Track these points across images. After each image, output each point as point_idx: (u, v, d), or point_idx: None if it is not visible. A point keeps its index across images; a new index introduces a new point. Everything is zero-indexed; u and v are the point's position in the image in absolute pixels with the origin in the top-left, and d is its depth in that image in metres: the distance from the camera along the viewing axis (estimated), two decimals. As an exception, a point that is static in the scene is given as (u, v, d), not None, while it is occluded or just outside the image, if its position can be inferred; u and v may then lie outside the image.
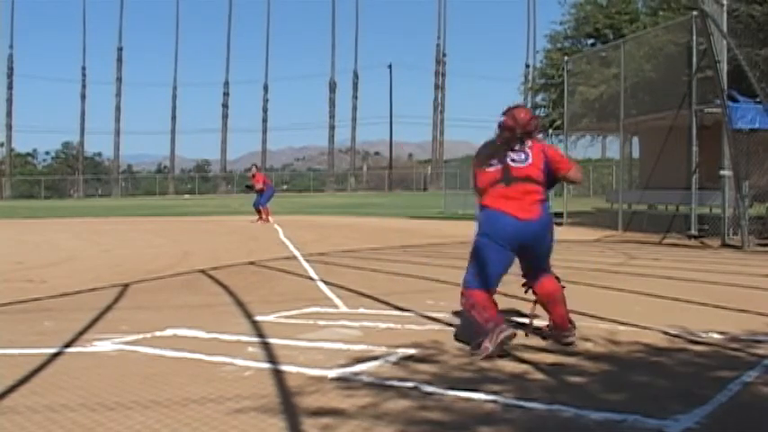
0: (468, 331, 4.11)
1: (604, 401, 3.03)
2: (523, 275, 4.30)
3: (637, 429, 2.69)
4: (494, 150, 4.21)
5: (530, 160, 4.13)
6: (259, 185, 19.59)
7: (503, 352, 3.80)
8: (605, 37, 20.18)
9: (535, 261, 4.19)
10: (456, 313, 4.96)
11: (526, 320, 4.41)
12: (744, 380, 3.34)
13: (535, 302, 4.29)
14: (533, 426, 2.76)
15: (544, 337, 4.25)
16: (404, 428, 2.72)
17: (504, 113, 4.28)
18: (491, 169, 4.13)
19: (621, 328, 4.59)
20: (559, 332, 4.18)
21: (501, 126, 4.24)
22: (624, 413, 2.82)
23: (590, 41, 21.57)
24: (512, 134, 4.17)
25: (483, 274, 4.03)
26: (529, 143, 4.18)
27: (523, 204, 4.03)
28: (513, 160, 4.12)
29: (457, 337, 4.32)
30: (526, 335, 4.26)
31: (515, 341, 3.98)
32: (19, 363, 3.78)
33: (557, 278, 4.27)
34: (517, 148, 4.15)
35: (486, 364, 3.67)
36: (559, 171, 4.26)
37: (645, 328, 4.55)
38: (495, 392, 3.14)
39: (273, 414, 2.88)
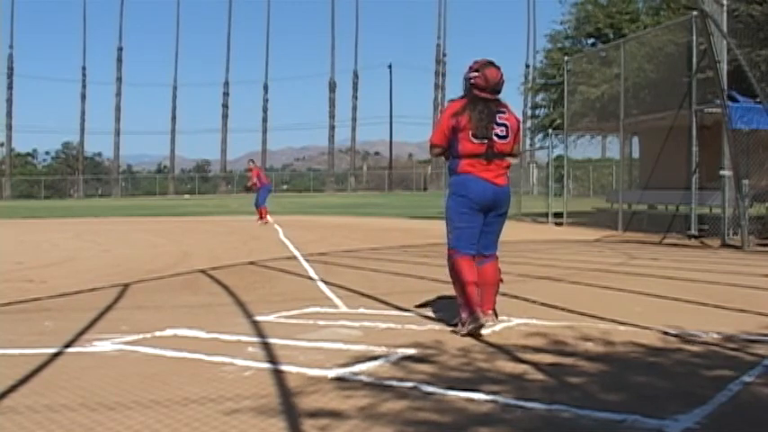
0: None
1: (604, 401, 3.03)
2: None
3: (637, 429, 2.69)
4: (479, 116, 4.39)
5: (509, 137, 4.48)
6: (254, 180, 19.53)
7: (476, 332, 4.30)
8: (606, 36, 20.18)
9: (491, 234, 4.56)
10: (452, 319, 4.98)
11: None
12: (744, 380, 3.34)
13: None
14: (533, 426, 2.76)
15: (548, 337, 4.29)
16: (403, 428, 2.72)
17: (474, 69, 4.48)
18: (476, 141, 4.40)
19: (621, 328, 4.59)
20: (474, 312, 4.36)
21: (470, 82, 4.47)
22: (624, 413, 2.82)
23: (590, 41, 21.56)
24: (481, 94, 4.42)
25: (464, 237, 4.46)
26: (505, 111, 4.48)
27: (497, 172, 4.46)
28: (497, 135, 4.43)
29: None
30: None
31: (515, 341, 4.03)
32: (19, 363, 3.78)
33: (499, 270, 4.63)
34: (499, 114, 4.43)
35: (486, 365, 3.67)
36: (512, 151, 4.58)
37: (645, 328, 4.55)
38: (494, 392, 3.14)
39: (273, 414, 2.88)
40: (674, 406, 2.93)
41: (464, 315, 4.39)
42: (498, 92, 4.50)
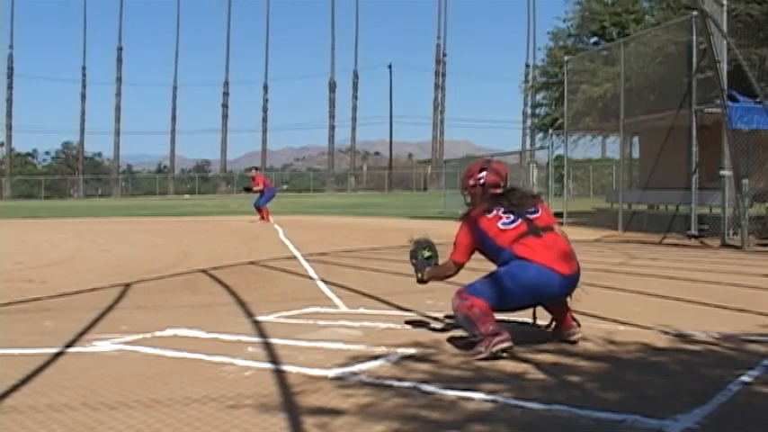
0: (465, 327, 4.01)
1: (604, 401, 3.03)
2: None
3: (636, 429, 2.69)
4: (493, 208, 3.99)
5: (541, 212, 4.03)
6: (259, 187, 19.58)
7: (495, 357, 3.74)
8: (610, 35, 20.15)
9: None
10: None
11: (529, 321, 4.42)
12: (744, 380, 3.34)
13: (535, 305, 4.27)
14: (532, 425, 2.76)
15: (547, 337, 4.26)
16: (403, 427, 2.72)
17: (479, 171, 4.13)
18: (513, 225, 3.92)
19: (621, 327, 4.59)
20: (564, 331, 4.16)
21: (484, 185, 4.09)
22: (624, 413, 2.82)
23: (593, 40, 21.55)
24: (500, 190, 4.07)
25: (494, 300, 3.85)
26: (529, 199, 4.08)
27: (562, 255, 3.89)
28: (529, 213, 3.98)
29: (454, 317, 4.17)
30: (535, 325, 4.33)
31: (517, 341, 3.99)
32: (19, 363, 3.78)
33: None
34: (521, 207, 4.00)
35: (486, 364, 3.67)
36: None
37: (645, 327, 4.56)
38: (494, 392, 3.14)
39: (274, 413, 2.89)
40: (674, 406, 2.93)
41: (480, 347, 3.77)
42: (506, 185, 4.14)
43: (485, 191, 4.10)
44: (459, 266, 4.17)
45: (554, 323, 4.24)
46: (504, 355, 3.75)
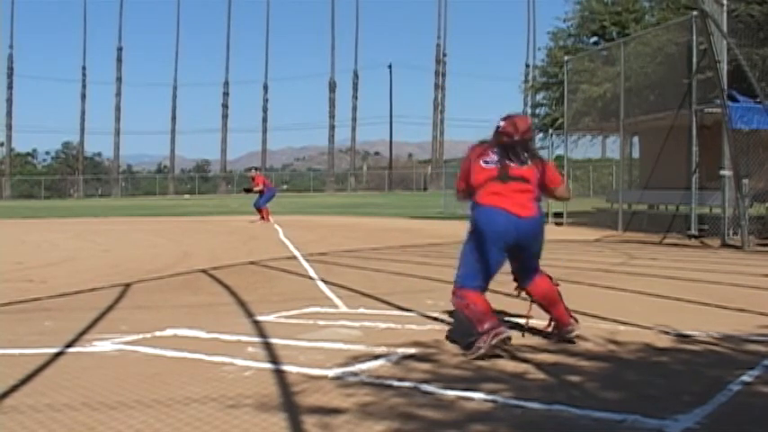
0: (461, 329, 4.09)
1: (604, 401, 3.03)
2: (514, 278, 4.28)
3: (637, 429, 2.69)
4: (491, 149, 4.17)
5: (527, 164, 4.13)
6: (259, 188, 19.57)
7: (495, 353, 3.77)
8: (610, 35, 20.15)
9: (528, 261, 4.18)
10: (451, 313, 4.98)
11: (522, 321, 4.40)
12: (744, 380, 3.34)
13: (532, 302, 4.29)
14: (533, 425, 2.76)
15: (546, 336, 4.25)
16: (403, 427, 2.72)
17: (504, 119, 4.23)
18: (488, 167, 4.11)
19: (622, 327, 4.59)
20: (562, 328, 4.19)
21: (498, 130, 4.20)
22: (624, 413, 2.82)
23: (593, 39, 21.54)
24: (509, 140, 4.13)
25: (476, 273, 4.02)
26: (526, 155, 4.15)
27: (519, 201, 4.01)
28: (510, 160, 4.11)
29: (449, 337, 4.32)
30: (522, 335, 4.26)
31: (518, 341, 4.02)
32: (19, 363, 3.78)
33: (549, 277, 4.25)
34: (514, 157, 4.12)
35: (486, 364, 3.67)
36: (551, 184, 4.24)
37: (645, 327, 4.56)
38: (494, 392, 3.14)
39: (274, 413, 2.89)
40: (675, 406, 2.93)
41: (479, 344, 3.79)
42: (525, 142, 4.19)
43: (497, 136, 4.20)
44: (465, 192, 4.24)
45: (552, 323, 4.24)
46: (502, 354, 3.80)
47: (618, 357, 3.85)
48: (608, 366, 3.66)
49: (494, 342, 3.76)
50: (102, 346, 4.24)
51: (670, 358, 3.81)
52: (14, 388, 3.30)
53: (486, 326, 3.81)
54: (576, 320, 4.22)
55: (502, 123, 4.22)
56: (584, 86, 17.65)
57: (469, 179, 4.18)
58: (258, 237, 14.27)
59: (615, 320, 4.81)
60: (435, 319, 4.99)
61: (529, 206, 4.04)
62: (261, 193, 19.51)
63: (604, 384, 3.32)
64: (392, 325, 4.78)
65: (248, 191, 20.29)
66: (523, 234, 4.01)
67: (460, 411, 2.91)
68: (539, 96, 24.61)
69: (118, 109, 67.43)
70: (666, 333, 4.40)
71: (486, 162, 4.13)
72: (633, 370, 3.59)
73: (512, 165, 4.10)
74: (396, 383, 3.30)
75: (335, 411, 2.90)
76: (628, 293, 6.23)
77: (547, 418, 2.83)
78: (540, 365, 3.63)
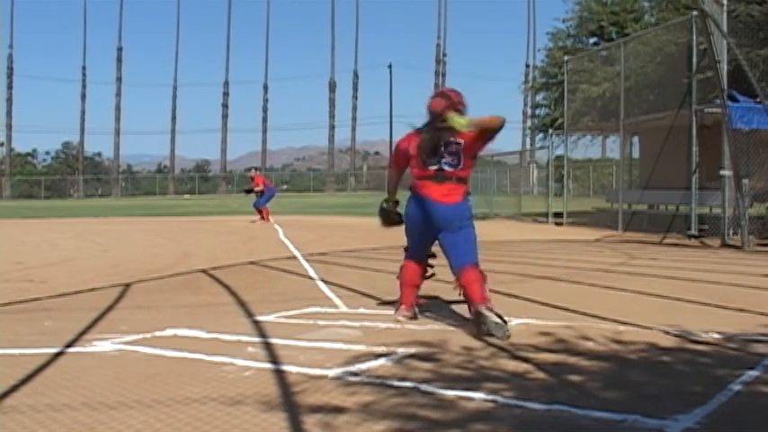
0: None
1: (604, 401, 3.03)
2: (452, 270, 4.70)
3: (637, 429, 2.69)
4: (432, 147, 4.64)
5: (461, 165, 4.65)
6: (259, 188, 19.58)
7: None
8: (609, 35, 20.15)
9: (458, 247, 4.65)
10: (452, 314, 4.99)
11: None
12: (744, 380, 3.34)
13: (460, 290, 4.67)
14: (533, 425, 2.76)
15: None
16: (402, 427, 2.72)
17: (433, 97, 4.72)
18: (429, 168, 4.67)
19: (622, 327, 4.59)
20: (476, 313, 4.42)
21: (432, 111, 4.65)
22: (624, 413, 2.82)
23: (593, 40, 21.55)
24: (443, 112, 4.54)
25: (413, 247, 4.99)
26: (459, 139, 4.58)
27: (446, 193, 4.65)
28: (447, 164, 4.64)
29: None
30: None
31: (518, 340, 4.10)
32: (19, 363, 3.78)
33: (482, 273, 4.59)
34: (451, 145, 4.61)
35: (487, 363, 3.67)
36: (481, 136, 4.62)
37: (645, 327, 4.56)
38: (494, 392, 3.14)
39: (274, 413, 2.89)
40: (675, 406, 2.93)
41: (397, 311, 4.95)
42: (459, 110, 4.59)
43: (432, 119, 4.69)
44: (397, 171, 5.03)
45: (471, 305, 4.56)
46: (399, 323, 4.80)
47: (618, 357, 3.84)
48: (608, 366, 3.66)
49: (398, 317, 4.92)
50: (102, 346, 4.23)
51: (670, 358, 3.81)
52: (14, 388, 3.30)
53: (398, 305, 5.02)
54: (491, 309, 4.48)
55: (432, 101, 4.71)
56: (583, 86, 17.66)
57: (411, 170, 4.80)
58: (258, 237, 14.27)
59: (615, 320, 4.81)
60: (436, 319, 4.99)
61: (452, 197, 4.66)
62: (261, 193, 19.53)
63: (604, 384, 3.31)
64: (392, 325, 4.78)
65: (248, 192, 20.28)
66: (446, 217, 4.65)
67: (461, 411, 2.91)
68: (538, 97, 24.63)
69: (118, 109, 67.52)
70: (666, 333, 4.40)
71: (429, 164, 4.67)
72: (633, 370, 3.59)
73: (448, 169, 4.65)
74: (396, 383, 3.30)
75: (335, 411, 2.90)
76: (628, 293, 6.23)
77: (547, 417, 2.83)
78: (540, 365, 3.63)
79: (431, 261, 5.06)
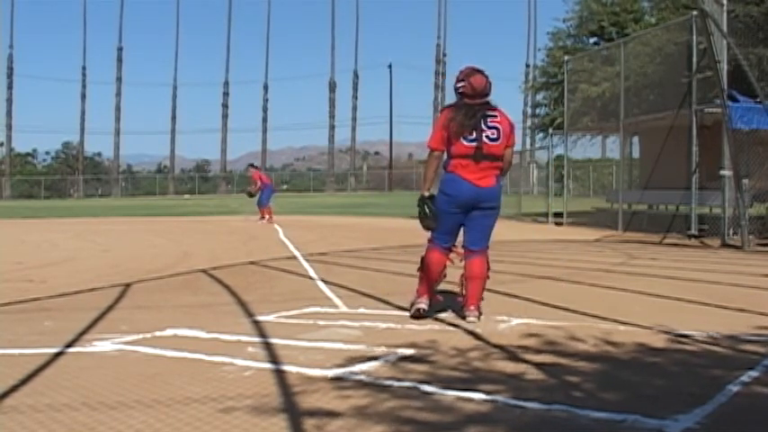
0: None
1: (603, 401, 3.03)
2: (464, 246, 4.87)
3: (636, 429, 2.69)
4: (470, 120, 4.63)
5: (500, 139, 4.68)
6: (258, 185, 19.57)
7: (418, 315, 4.85)
8: (609, 35, 20.17)
9: (479, 229, 4.81)
10: (453, 313, 4.99)
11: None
12: (744, 380, 3.34)
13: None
14: (532, 426, 2.76)
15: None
16: (401, 428, 2.72)
17: (461, 79, 4.71)
18: (466, 143, 4.64)
19: (621, 327, 4.59)
20: (464, 307, 4.81)
21: (459, 92, 4.71)
22: (624, 413, 2.82)
23: (593, 40, 21.56)
24: (472, 101, 4.66)
25: (441, 230, 4.83)
26: (497, 114, 4.70)
27: (483, 174, 4.67)
28: (488, 137, 4.65)
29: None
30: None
31: (515, 341, 4.09)
32: (19, 362, 3.78)
33: (488, 266, 4.87)
34: (490, 118, 4.66)
35: (485, 364, 3.67)
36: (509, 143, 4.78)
37: (645, 327, 4.56)
38: (493, 392, 3.14)
39: (274, 413, 2.89)
40: (674, 406, 2.93)
41: (414, 298, 4.94)
42: (486, 95, 4.71)
43: (461, 97, 4.74)
44: (434, 153, 4.81)
45: (462, 296, 4.86)
46: (418, 312, 4.87)
47: (618, 357, 3.84)
48: (608, 366, 3.66)
49: (412, 310, 4.91)
50: (102, 346, 4.23)
51: (670, 358, 3.81)
52: (14, 388, 3.29)
53: (416, 296, 4.95)
54: (481, 313, 4.78)
55: (460, 84, 4.72)
56: (582, 86, 17.67)
57: (449, 148, 4.71)
58: (258, 237, 14.28)
59: (615, 320, 4.81)
60: (435, 319, 4.99)
61: (489, 179, 4.71)
62: (260, 190, 19.50)
63: (604, 384, 3.31)
64: (392, 325, 4.78)
65: (251, 195, 20.18)
66: (480, 199, 4.71)
67: (459, 412, 2.90)
68: (538, 96, 24.64)
69: (118, 109, 67.44)
70: (667, 333, 4.40)
71: (467, 138, 4.63)
72: (633, 370, 3.59)
73: (488, 143, 4.64)
74: (395, 384, 3.30)
75: (335, 412, 2.90)
76: (628, 293, 6.23)
77: (546, 418, 2.83)
78: (539, 366, 3.63)
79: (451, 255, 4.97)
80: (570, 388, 3.27)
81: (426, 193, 4.87)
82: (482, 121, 4.65)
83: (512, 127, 4.81)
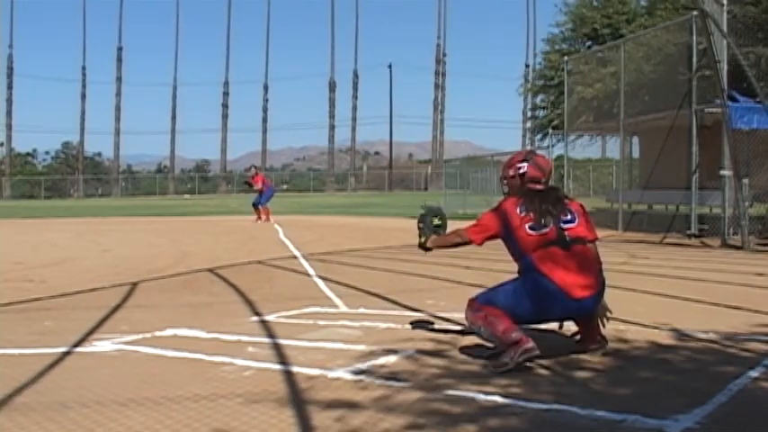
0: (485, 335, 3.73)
1: (604, 401, 3.03)
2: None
3: (636, 429, 2.69)
4: (538, 207, 3.74)
5: (578, 220, 3.80)
6: (258, 186, 19.62)
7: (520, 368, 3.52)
8: (603, 38, 20.22)
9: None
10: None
11: (555, 327, 4.12)
12: (744, 379, 3.34)
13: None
14: (532, 424, 2.76)
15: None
16: (402, 428, 2.72)
17: (521, 161, 3.95)
18: (541, 231, 3.69)
19: (622, 327, 4.59)
20: (585, 345, 3.93)
21: (523, 175, 3.90)
22: (624, 413, 2.82)
23: (588, 43, 21.61)
24: (539, 186, 3.87)
25: (509, 313, 3.64)
26: (566, 201, 3.88)
27: (584, 275, 3.72)
28: (565, 222, 3.76)
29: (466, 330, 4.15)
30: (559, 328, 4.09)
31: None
32: (19, 363, 3.78)
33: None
34: (558, 205, 3.80)
35: (487, 364, 3.66)
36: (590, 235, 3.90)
37: (646, 327, 4.56)
38: (493, 393, 3.14)
39: (274, 414, 2.89)
40: (675, 405, 2.93)
41: (506, 359, 3.54)
42: (549, 179, 3.97)
43: (523, 183, 3.89)
44: (468, 243, 3.95)
45: (579, 335, 4.00)
46: (529, 364, 3.55)
47: (619, 357, 3.84)
48: (609, 366, 3.66)
49: (520, 360, 3.49)
50: (102, 346, 4.24)
51: (671, 358, 3.81)
52: (13, 388, 3.29)
53: (513, 336, 3.52)
54: (606, 341, 3.96)
55: (521, 166, 3.91)
56: (578, 88, 17.70)
57: (514, 247, 3.80)
58: (258, 237, 14.27)
59: (616, 319, 4.80)
60: (436, 318, 4.99)
61: (591, 281, 3.75)
62: (260, 192, 19.55)
63: (605, 384, 3.32)
64: (392, 325, 4.78)
65: (249, 185, 20.37)
66: (578, 313, 3.78)
67: (460, 412, 2.90)
68: (537, 99, 24.70)
69: (118, 109, 67.45)
70: (667, 332, 4.40)
71: (534, 228, 3.71)
72: (634, 369, 3.59)
73: (566, 226, 3.74)
74: (395, 384, 3.30)
75: (335, 412, 2.90)
76: (628, 293, 6.22)
77: (547, 417, 2.83)
78: (540, 364, 3.63)
79: None
80: (575, 386, 3.27)
81: (423, 211, 4.30)
82: (552, 206, 3.79)
83: (584, 209, 3.96)
